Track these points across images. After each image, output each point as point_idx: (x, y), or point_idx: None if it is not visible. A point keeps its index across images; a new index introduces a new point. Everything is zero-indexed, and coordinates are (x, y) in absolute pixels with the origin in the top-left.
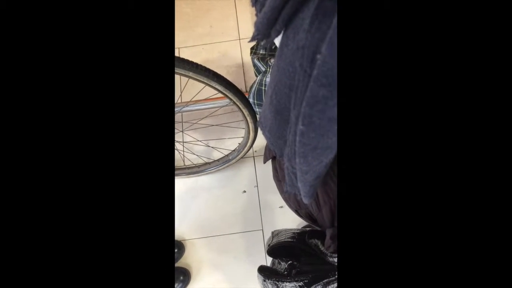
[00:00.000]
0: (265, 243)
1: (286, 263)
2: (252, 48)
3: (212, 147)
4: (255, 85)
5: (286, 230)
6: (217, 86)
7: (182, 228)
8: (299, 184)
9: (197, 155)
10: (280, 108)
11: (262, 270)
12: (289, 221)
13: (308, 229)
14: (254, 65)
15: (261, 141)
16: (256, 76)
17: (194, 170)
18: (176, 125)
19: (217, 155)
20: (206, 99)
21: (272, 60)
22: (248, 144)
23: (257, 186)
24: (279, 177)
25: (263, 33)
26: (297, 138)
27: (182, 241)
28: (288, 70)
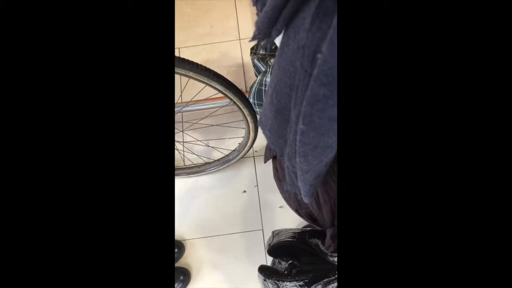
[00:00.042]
0: (266, 243)
1: (287, 262)
2: (252, 49)
3: (212, 147)
4: (255, 85)
5: (286, 229)
6: (218, 86)
7: (182, 228)
8: (299, 183)
9: (197, 155)
10: (281, 107)
11: (263, 269)
12: (289, 221)
13: (308, 228)
14: (254, 66)
15: (261, 141)
16: (256, 77)
17: (194, 170)
18: (176, 125)
19: (217, 155)
20: (206, 99)
21: (272, 60)
22: (248, 144)
23: (257, 186)
24: (279, 177)
25: (264, 32)
26: (298, 137)
27: (182, 241)
28: (288, 70)
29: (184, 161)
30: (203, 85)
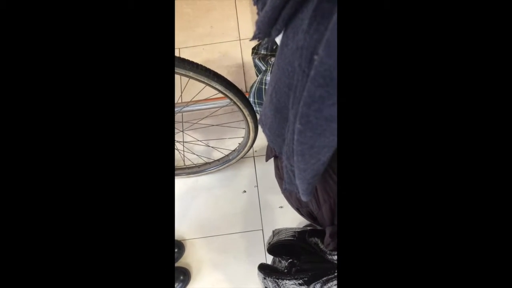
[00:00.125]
0: (266, 242)
1: (287, 261)
2: (253, 48)
3: (212, 147)
4: (255, 84)
5: (287, 229)
6: (218, 86)
7: (182, 228)
8: (297, 182)
9: (197, 155)
10: (280, 106)
11: (262, 268)
12: (289, 221)
13: (308, 228)
14: (255, 65)
15: (261, 141)
16: (257, 76)
17: (194, 170)
18: (176, 125)
19: (217, 155)
20: (206, 99)
21: (272, 59)
22: (248, 144)
23: (257, 186)
24: (280, 175)
25: (264, 32)
26: (295, 137)
27: (182, 241)
28: (287, 70)
29: (184, 161)
30: (203, 85)
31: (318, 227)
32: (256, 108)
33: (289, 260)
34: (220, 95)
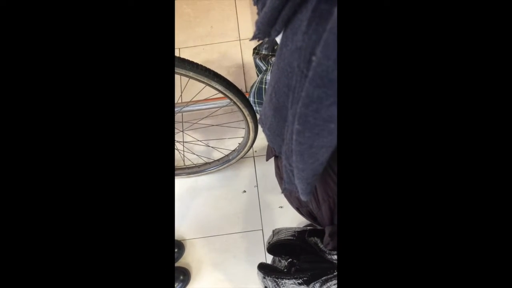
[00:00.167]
0: (266, 241)
1: (286, 261)
2: (254, 49)
3: (212, 147)
4: (256, 84)
5: (287, 228)
6: (218, 86)
7: (182, 228)
8: (296, 182)
9: (197, 155)
10: (279, 106)
11: (262, 267)
12: (289, 221)
13: (308, 227)
14: (256, 66)
15: (261, 141)
16: (258, 77)
17: (194, 170)
18: (176, 125)
19: (217, 155)
20: (206, 99)
21: (273, 59)
22: (248, 144)
23: (257, 186)
24: (281, 175)
25: (263, 32)
26: (294, 137)
27: (182, 241)
28: (286, 70)
29: (184, 161)
30: (203, 85)
31: (318, 227)
32: (256, 108)
33: (289, 260)
34: (220, 95)
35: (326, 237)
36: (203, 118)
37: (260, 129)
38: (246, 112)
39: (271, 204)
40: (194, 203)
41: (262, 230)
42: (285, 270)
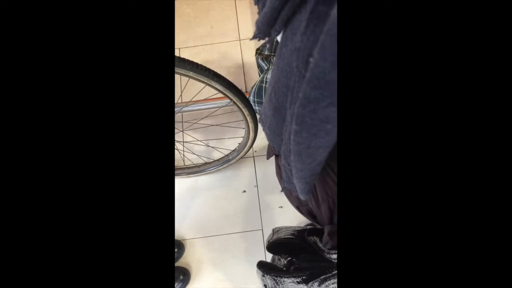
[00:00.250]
0: (266, 240)
1: (286, 259)
2: (257, 49)
3: (212, 147)
4: (256, 83)
5: (287, 227)
6: (218, 86)
7: (182, 228)
8: (295, 181)
9: (197, 155)
10: (278, 106)
11: (261, 265)
12: (289, 221)
13: (308, 227)
14: (259, 66)
15: (261, 141)
16: (259, 77)
17: (194, 170)
18: (176, 125)
19: (217, 155)
20: (206, 99)
21: (274, 59)
22: (248, 144)
23: (257, 186)
24: (281, 174)
25: (263, 32)
26: (292, 137)
27: (182, 241)
28: (285, 70)
29: (184, 161)
30: (203, 85)
31: (318, 226)
32: (256, 107)
33: (288, 258)
34: (220, 95)
35: (325, 236)
36: (203, 118)
37: (260, 128)
38: (246, 112)
39: (271, 204)
40: (194, 203)
41: (262, 230)
42: (284, 268)
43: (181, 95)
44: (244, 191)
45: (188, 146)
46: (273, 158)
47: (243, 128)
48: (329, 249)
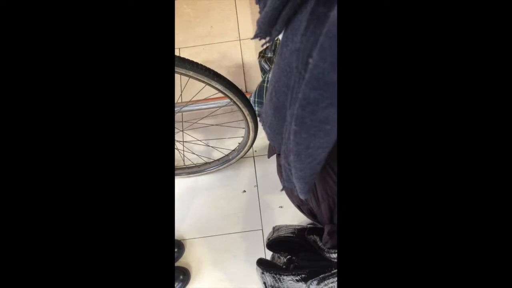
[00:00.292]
0: (266, 238)
1: (285, 257)
2: (260, 52)
3: (212, 147)
4: (259, 84)
5: (287, 225)
6: (218, 86)
7: (182, 227)
8: (295, 181)
9: (197, 155)
10: (279, 105)
11: (261, 263)
12: (289, 221)
13: (308, 225)
14: (261, 68)
15: (261, 141)
16: (262, 78)
17: (194, 169)
18: (176, 125)
19: (217, 154)
20: (206, 99)
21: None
22: (248, 143)
23: (257, 186)
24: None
25: (264, 32)
26: (291, 137)
27: (182, 241)
28: (286, 70)
29: (184, 161)
30: (203, 84)
31: (319, 225)
32: (256, 108)
33: (288, 257)
34: (220, 94)
35: (325, 236)
36: (203, 117)
37: (260, 128)
38: (246, 112)
39: (271, 204)
40: (194, 203)
41: (262, 230)
42: (284, 266)
43: (181, 94)
44: (244, 191)
45: (188, 146)
46: (273, 158)
47: (243, 128)
48: (329, 248)
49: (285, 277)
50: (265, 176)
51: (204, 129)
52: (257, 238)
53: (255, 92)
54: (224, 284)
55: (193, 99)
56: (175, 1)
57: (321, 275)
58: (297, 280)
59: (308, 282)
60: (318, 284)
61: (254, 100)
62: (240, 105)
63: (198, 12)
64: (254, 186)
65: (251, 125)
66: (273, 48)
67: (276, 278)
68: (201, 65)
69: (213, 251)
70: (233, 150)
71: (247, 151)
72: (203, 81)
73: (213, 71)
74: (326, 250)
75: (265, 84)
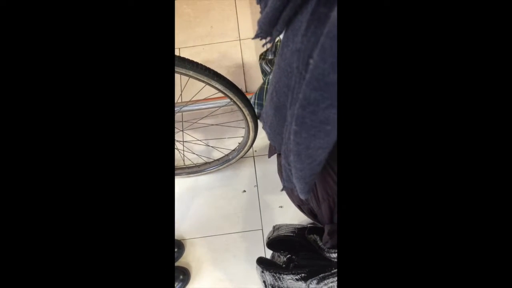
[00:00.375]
0: (266, 237)
1: (285, 256)
2: (261, 55)
3: (212, 147)
4: (260, 85)
5: (287, 225)
6: (218, 86)
7: (182, 227)
8: (295, 181)
9: (197, 155)
10: (280, 105)
11: (261, 262)
12: (289, 221)
13: (309, 225)
14: (262, 71)
15: (261, 141)
16: (263, 80)
17: (194, 169)
18: (176, 125)
19: (217, 154)
20: (206, 99)
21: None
22: (248, 143)
23: (257, 186)
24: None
25: (265, 32)
26: (291, 137)
27: (182, 241)
28: (286, 70)
29: (184, 161)
30: (203, 84)
31: (319, 225)
32: (256, 110)
33: (288, 256)
34: (220, 94)
35: (325, 235)
36: (203, 117)
37: (260, 128)
38: (246, 112)
39: (271, 204)
40: (194, 202)
41: (262, 230)
42: (284, 265)
43: (181, 94)
44: (244, 191)
45: (188, 145)
46: (273, 158)
47: (243, 128)
48: (329, 248)
49: (285, 276)
50: (265, 176)
51: (204, 129)
52: (257, 238)
53: (256, 94)
54: (224, 284)
55: (193, 99)
56: (175, 1)
57: (321, 275)
58: (297, 279)
59: (308, 281)
60: (317, 283)
61: (255, 102)
62: (240, 105)
63: (198, 12)
64: (254, 186)
65: (251, 125)
66: (274, 50)
67: (276, 277)
68: (201, 64)
69: (213, 251)
70: (233, 150)
71: (247, 151)
72: (203, 81)
73: (213, 70)
74: (326, 250)
75: (265, 86)
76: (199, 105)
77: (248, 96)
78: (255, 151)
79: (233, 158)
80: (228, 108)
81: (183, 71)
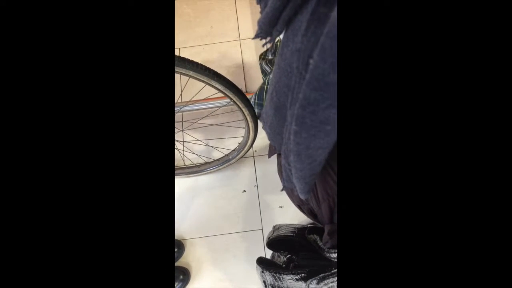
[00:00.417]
0: (266, 237)
1: (285, 256)
2: (261, 55)
3: (212, 147)
4: (260, 85)
5: (287, 225)
6: (218, 86)
7: (182, 227)
8: (294, 181)
9: (197, 155)
10: (280, 105)
11: (261, 261)
12: (289, 221)
13: (309, 225)
14: (262, 71)
15: (261, 141)
16: (263, 80)
17: (194, 169)
18: (176, 125)
19: (217, 154)
20: (206, 99)
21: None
22: (248, 143)
23: (257, 186)
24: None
25: (265, 32)
26: (291, 137)
27: (182, 241)
28: (286, 70)
29: (184, 161)
30: (203, 84)
31: (319, 225)
32: (256, 110)
33: (288, 256)
34: (220, 94)
35: (325, 235)
36: (203, 117)
37: (260, 128)
38: (246, 112)
39: (271, 204)
40: (194, 202)
41: (262, 230)
42: (284, 265)
43: (181, 94)
44: (244, 191)
45: (188, 145)
46: (273, 158)
47: (243, 128)
48: (329, 248)
49: (285, 276)
50: (265, 176)
51: (204, 129)
52: (257, 238)
53: (256, 94)
54: (224, 284)
55: (193, 99)
56: (175, 1)
57: (321, 275)
58: (297, 279)
59: (308, 281)
60: (317, 283)
61: (255, 102)
62: (240, 105)
63: (198, 12)
64: (254, 186)
65: (251, 125)
66: (274, 50)
67: (276, 277)
68: (201, 64)
69: (213, 251)
70: (233, 150)
71: (247, 151)
72: (203, 81)
73: (213, 70)
74: (326, 250)
75: (265, 86)
76: (199, 105)
77: (248, 96)
78: (255, 151)
79: (233, 158)
80: (228, 108)
81: (183, 71)
